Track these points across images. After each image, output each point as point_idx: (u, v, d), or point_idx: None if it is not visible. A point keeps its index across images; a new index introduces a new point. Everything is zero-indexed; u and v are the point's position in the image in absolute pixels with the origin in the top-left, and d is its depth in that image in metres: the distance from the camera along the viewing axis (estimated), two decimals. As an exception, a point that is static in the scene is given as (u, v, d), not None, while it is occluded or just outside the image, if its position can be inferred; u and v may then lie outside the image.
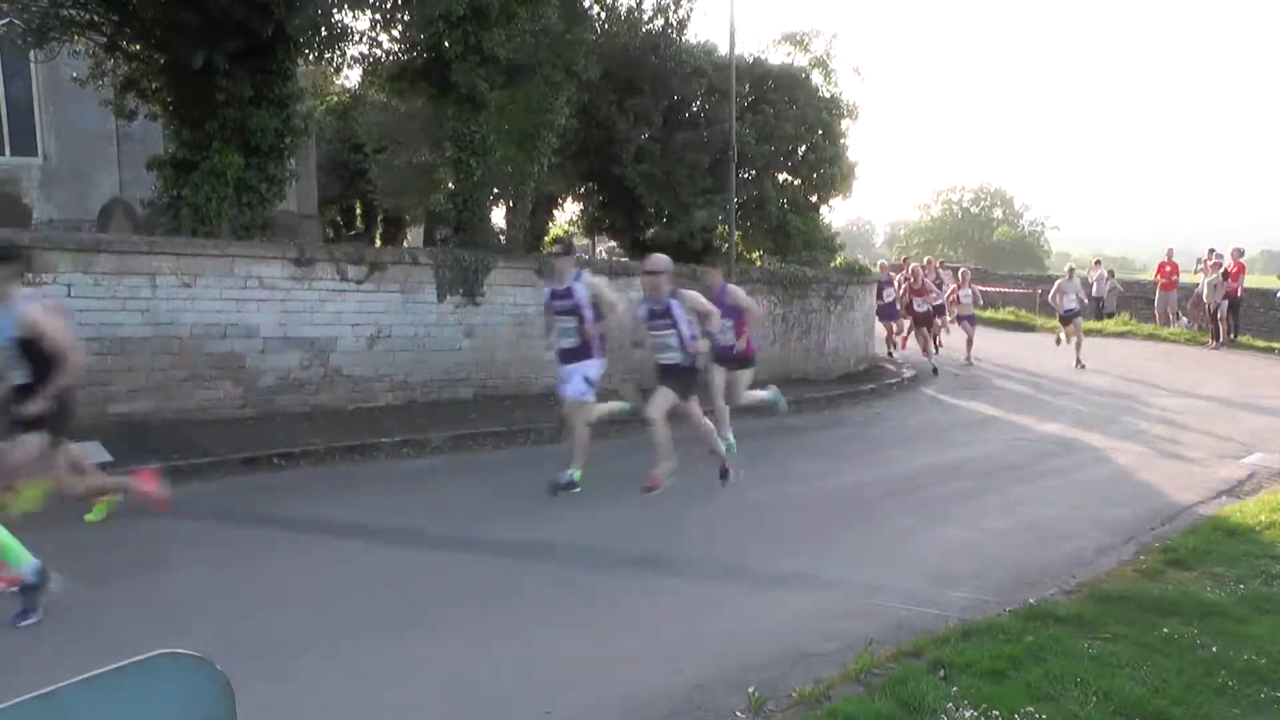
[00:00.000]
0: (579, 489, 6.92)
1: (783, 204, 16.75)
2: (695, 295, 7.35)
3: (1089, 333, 20.74)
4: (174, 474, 7.12)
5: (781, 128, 16.04)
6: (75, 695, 1.19)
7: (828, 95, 17.06)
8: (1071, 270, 17.23)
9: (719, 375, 8.50)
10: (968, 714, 3.41)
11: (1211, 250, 19.74)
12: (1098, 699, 3.54)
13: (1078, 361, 15.55)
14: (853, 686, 3.72)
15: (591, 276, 7.26)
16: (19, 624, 4.23)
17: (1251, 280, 23.03)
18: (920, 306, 15.68)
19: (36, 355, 4.95)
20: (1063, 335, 16.38)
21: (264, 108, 10.04)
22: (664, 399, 7.09)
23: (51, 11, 9.59)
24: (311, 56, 11.29)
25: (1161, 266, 21.92)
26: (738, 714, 3.59)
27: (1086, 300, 18.68)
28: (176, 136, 10.26)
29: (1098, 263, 25.50)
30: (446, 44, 11.16)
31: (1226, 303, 18.33)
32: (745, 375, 8.60)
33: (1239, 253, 19.24)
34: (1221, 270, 18.41)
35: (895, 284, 16.38)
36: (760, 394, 8.78)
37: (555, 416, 9.27)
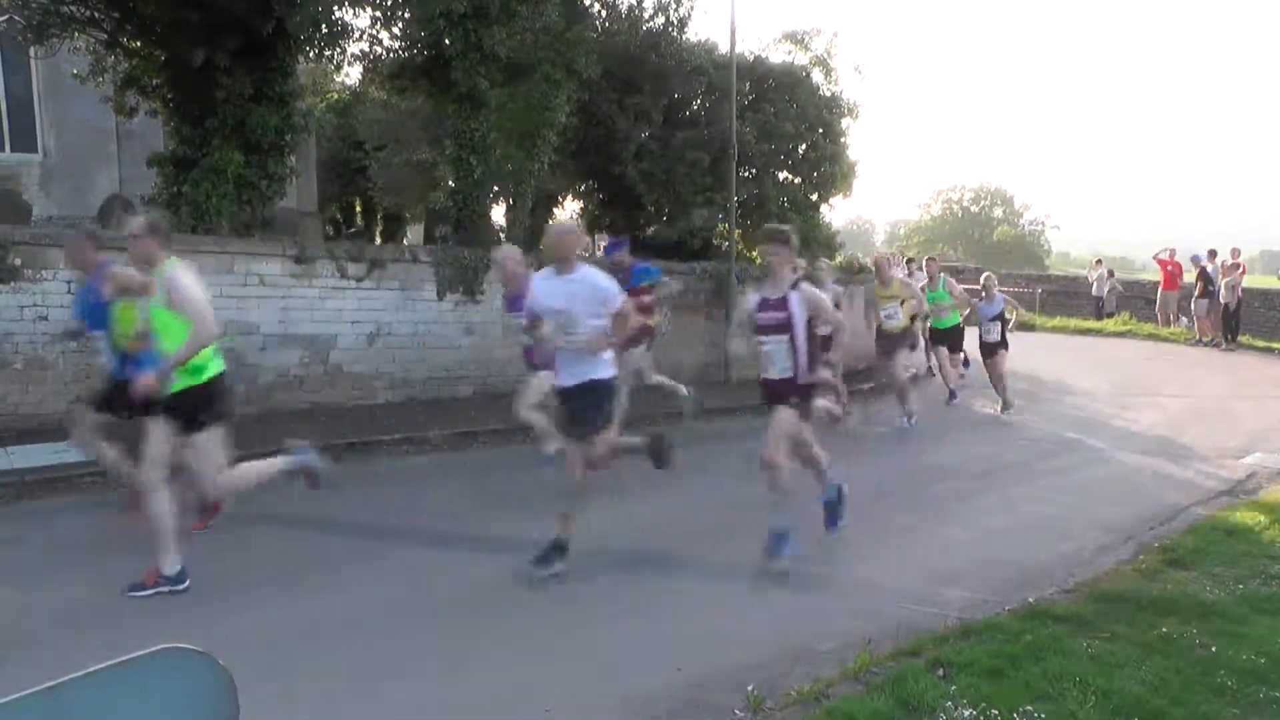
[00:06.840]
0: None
1: (783, 203, 16.72)
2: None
3: (1088, 333, 20.76)
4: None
5: (782, 126, 16.02)
6: (77, 690, 1.19)
7: (828, 94, 17.03)
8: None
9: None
10: (966, 713, 3.41)
11: (1212, 251, 19.64)
12: (1096, 698, 3.55)
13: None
14: (851, 685, 3.72)
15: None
16: None
17: (1251, 280, 22.95)
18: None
19: None
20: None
21: (264, 105, 10.05)
22: None
23: (52, 8, 9.58)
24: (312, 54, 11.29)
25: (1164, 263, 20.88)
26: (737, 712, 3.59)
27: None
28: (177, 133, 10.28)
29: (1098, 262, 25.48)
30: (447, 42, 11.16)
31: (1236, 302, 18.29)
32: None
33: (1235, 253, 19.24)
34: (1240, 270, 18.32)
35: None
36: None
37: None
